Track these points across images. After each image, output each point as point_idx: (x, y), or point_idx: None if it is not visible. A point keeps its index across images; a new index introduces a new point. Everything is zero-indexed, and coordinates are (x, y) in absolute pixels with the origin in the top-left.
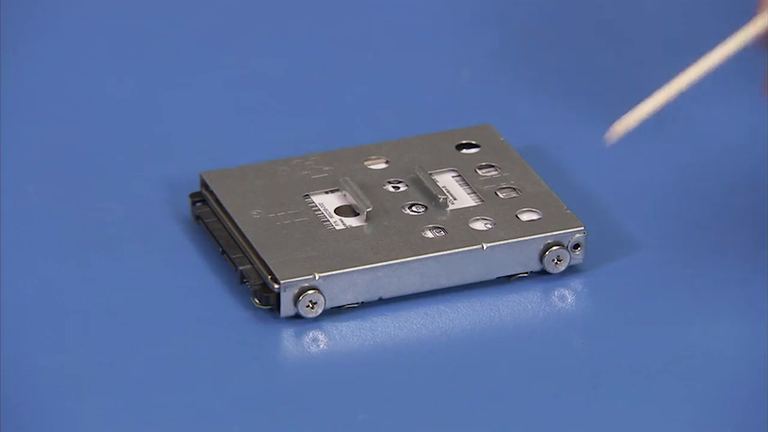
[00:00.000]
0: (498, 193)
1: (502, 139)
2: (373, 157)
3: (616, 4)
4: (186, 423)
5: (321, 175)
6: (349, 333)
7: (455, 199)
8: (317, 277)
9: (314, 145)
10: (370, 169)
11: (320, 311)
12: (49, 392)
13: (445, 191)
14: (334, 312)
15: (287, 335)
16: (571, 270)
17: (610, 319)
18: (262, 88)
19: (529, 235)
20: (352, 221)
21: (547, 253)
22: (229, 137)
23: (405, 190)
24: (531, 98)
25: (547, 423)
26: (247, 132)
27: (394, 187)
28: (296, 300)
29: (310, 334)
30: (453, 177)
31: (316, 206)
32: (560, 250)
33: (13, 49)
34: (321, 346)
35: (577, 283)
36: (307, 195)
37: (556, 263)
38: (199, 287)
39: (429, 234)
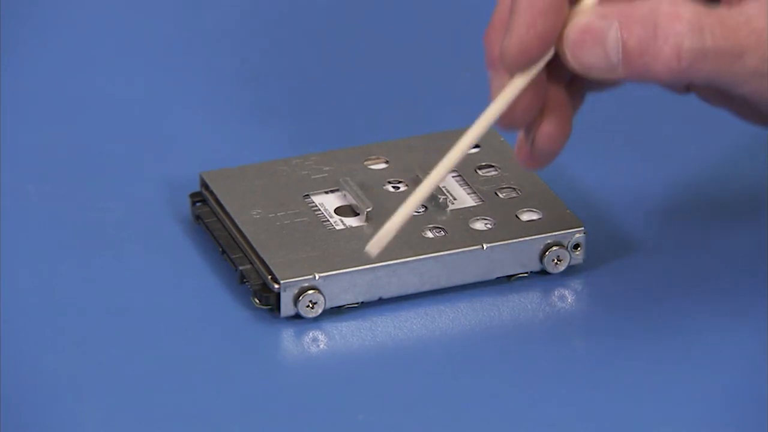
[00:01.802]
0: (498, 193)
1: (502, 139)
2: (373, 157)
3: None
4: (186, 423)
5: (321, 175)
6: (349, 333)
7: (455, 199)
8: (317, 277)
9: (314, 145)
10: (370, 169)
11: (320, 311)
12: (49, 392)
13: (445, 191)
14: (334, 312)
15: (287, 335)
16: (571, 270)
17: (610, 319)
18: (262, 88)
19: (529, 236)
20: (352, 221)
21: (547, 253)
22: (229, 137)
23: (405, 190)
24: None
25: (547, 423)
26: (247, 132)
27: (394, 187)
28: (296, 300)
29: (310, 334)
30: (453, 177)
31: (316, 206)
32: (560, 250)
33: (13, 49)
34: (321, 346)
35: (577, 283)
36: (307, 195)
37: (556, 263)
38: (199, 287)
39: (429, 234)
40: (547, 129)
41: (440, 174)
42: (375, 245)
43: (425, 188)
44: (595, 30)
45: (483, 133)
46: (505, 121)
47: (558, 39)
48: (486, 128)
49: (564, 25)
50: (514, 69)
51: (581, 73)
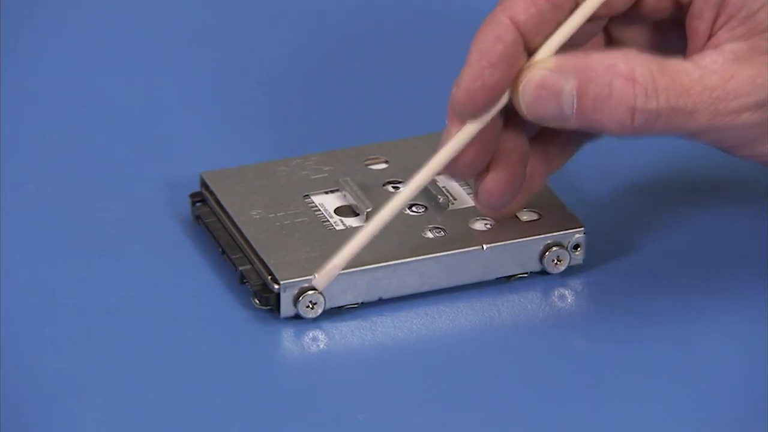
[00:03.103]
0: None
1: None
2: (373, 157)
3: None
4: (186, 423)
5: (321, 175)
6: (349, 333)
7: (455, 199)
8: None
9: (314, 145)
10: (370, 169)
11: (320, 311)
12: (49, 392)
13: (445, 192)
14: (334, 312)
15: (287, 335)
16: (571, 270)
17: (610, 319)
18: (262, 88)
19: (529, 236)
20: (352, 221)
21: (546, 253)
22: (229, 137)
23: None
24: None
25: (546, 423)
26: (247, 132)
27: (394, 187)
28: (296, 300)
29: (310, 334)
30: None
31: (316, 206)
32: (560, 250)
33: (13, 49)
34: (321, 346)
35: (577, 283)
36: (307, 195)
37: (556, 264)
38: (199, 287)
39: (429, 234)
40: (489, 185)
41: (384, 219)
42: (322, 279)
43: (370, 230)
44: (551, 85)
45: (429, 180)
46: (449, 170)
47: (513, 88)
48: (432, 175)
49: (518, 74)
50: (462, 117)
51: (534, 121)
